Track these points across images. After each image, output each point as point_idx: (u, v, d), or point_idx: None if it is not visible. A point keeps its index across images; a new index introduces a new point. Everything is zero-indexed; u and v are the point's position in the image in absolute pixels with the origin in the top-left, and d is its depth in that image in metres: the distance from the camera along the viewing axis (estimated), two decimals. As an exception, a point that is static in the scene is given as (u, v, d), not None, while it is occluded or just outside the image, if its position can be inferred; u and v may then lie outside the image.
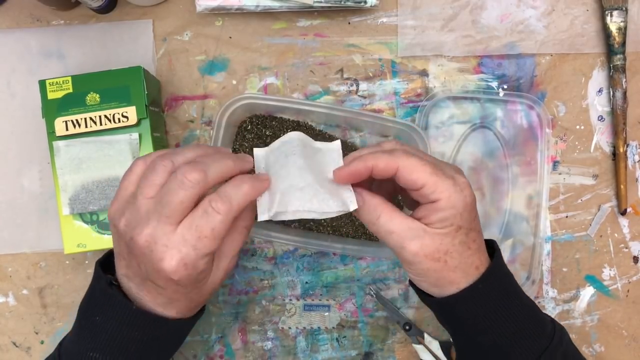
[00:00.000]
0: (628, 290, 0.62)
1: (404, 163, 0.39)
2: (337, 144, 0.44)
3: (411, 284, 0.46)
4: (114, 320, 0.41)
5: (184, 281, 0.38)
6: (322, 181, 0.41)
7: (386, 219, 0.40)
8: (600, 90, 0.63)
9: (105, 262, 0.44)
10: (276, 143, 0.43)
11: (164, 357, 0.45)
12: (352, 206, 0.40)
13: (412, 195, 0.41)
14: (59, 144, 0.55)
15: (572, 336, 0.62)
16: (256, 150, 0.44)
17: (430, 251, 0.39)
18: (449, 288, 0.41)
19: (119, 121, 0.55)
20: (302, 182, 0.40)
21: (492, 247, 0.44)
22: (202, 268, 0.38)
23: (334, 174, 0.40)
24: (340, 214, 0.40)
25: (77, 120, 0.55)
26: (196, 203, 0.38)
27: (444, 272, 0.40)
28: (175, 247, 0.37)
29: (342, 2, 0.59)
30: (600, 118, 0.62)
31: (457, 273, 0.40)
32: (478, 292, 0.41)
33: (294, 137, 0.43)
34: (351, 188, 0.41)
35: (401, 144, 0.42)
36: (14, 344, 0.62)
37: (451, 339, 0.47)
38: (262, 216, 0.40)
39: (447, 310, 0.43)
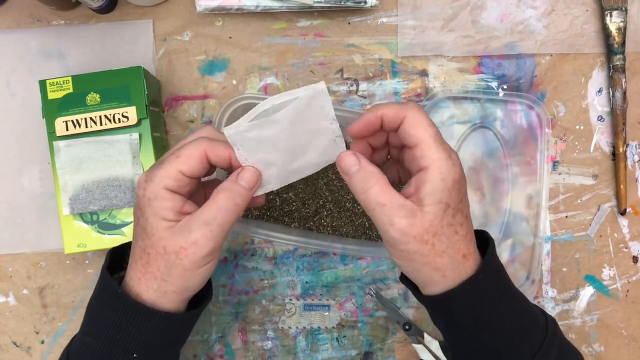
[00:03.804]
0: (628, 290, 0.62)
1: (412, 113, 0.38)
2: (320, 85, 0.39)
3: (402, 280, 0.45)
4: (105, 305, 0.41)
5: (150, 195, 0.39)
6: (310, 143, 0.41)
7: (379, 190, 0.38)
8: (600, 90, 0.63)
9: (118, 252, 0.45)
10: (248, 121, 0.39)
11: (151, 355, 0.42)
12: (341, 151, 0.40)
13: (406, 160, 0.40)
14: (59, 144, 0.55)
15: (572, 336, 0.62)
16: (227, 131, 0.40)
17: (419, 232, 0.37)
18: (434, 276, 0.39)
19: (119, 121, 0.55)
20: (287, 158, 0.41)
21: (483, 238, 0.43)
22: (163, 184, 0.39)
23: (349, 132, 0.40)
24: (325, 163, 0.41)
25: (77, 120, 0.55)
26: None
27: (430, 257, 0.38)
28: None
29: (342, 2, 0.59)
30: (600, 118, 0.63)
31: (444, 259, 0.38)
32: (478, 284, 0.39)
33: (276, 117, 0.39)
34: (344, 148, 0.41)
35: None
36: (15, 343, 0.62)
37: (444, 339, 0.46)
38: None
39: (443, 306, 0.41)
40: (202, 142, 0.40)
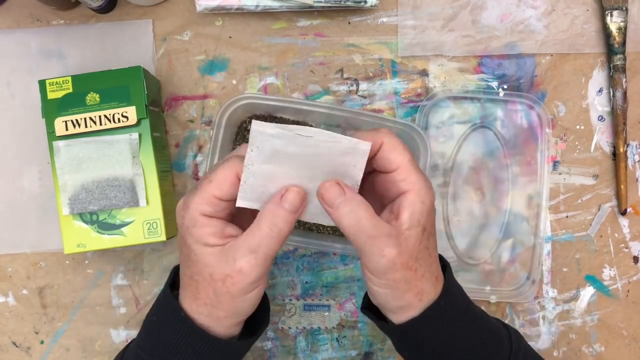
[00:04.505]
0: (628, 291, 0.62)
1: (388, 139, 0.39)
2: (366, 145, 0.38)
3: (364, 310, 0.45)
4: (164, 324, 0.41)
5: (188, 222, 0.38)
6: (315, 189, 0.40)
7: (369, 221, 0.37)
8: (600, 90, 0.63)
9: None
10: (287, 133, 0.37)
11: None
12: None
13: (382, 184, 0.40)
14: (59, 144, 0.55)
15: (572, 336, 0.62)
16: (254, 124, 0.37)
17: (405, 258, 0.38)
18: (413, 300, 0.39)
19: (119, 121, 0.55)
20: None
21: (440, 261, 0.43)
22: (199, 210, 0.38)
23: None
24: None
25: (77, 120, 0.55)
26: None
27: (413, 282, 0.38)
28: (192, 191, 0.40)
29: (342, 2, 0.59)
30: (601, 118, 0.62)
31: (423, 282, 0.39)
32: (442, 310, 0.39)
33: (310, 143, 0.38)
34: None
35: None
36: (14, 344, 0.62)
37: None
38: (240, 202, 0.39)
39: (412, 333, 0.41)
40: (234, 163, 0.38)
